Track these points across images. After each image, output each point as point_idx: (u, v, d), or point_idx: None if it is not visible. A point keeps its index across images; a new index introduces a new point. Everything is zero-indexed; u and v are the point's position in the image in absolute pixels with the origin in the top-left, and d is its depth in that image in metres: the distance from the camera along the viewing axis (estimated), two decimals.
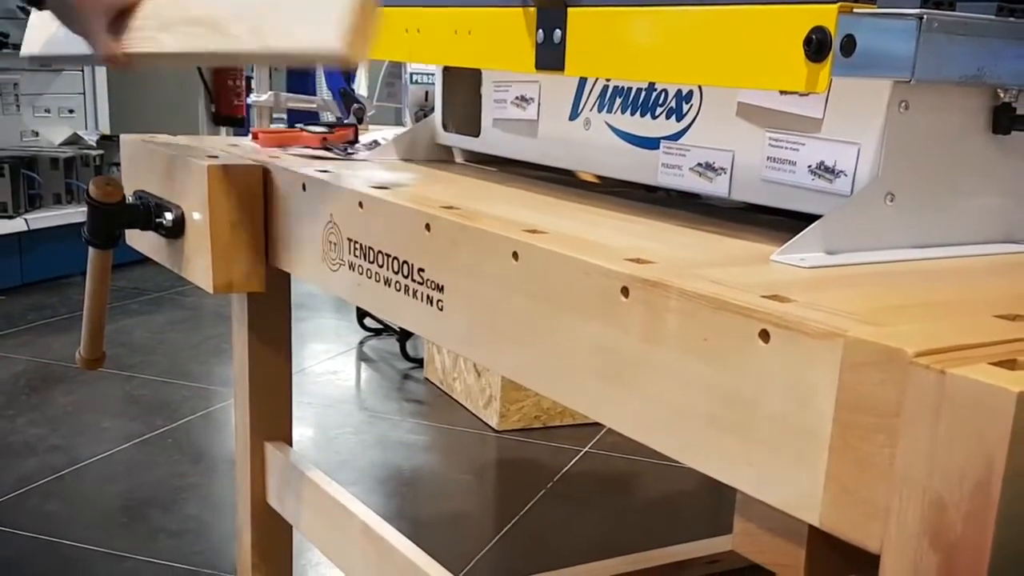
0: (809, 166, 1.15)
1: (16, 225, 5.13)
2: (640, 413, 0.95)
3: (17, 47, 3.11)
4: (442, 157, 1.84)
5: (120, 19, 1.39)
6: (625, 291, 0.95)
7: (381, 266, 1.36)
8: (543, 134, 1.55)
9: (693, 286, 0.89)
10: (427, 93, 3.75)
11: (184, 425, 3.52)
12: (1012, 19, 1.06)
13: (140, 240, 1.86)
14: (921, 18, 0.97)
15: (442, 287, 1.20)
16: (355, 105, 3.20)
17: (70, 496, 2.96)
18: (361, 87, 5.02)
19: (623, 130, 1.41)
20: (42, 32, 1.61)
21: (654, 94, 1.36)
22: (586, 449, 3.43)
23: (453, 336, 1.24)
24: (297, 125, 1.93)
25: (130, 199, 1.73)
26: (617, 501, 3.13)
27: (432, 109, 1.84)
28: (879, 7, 0.95)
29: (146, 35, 1.34)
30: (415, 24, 1.44)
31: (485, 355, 1.18)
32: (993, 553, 0.65)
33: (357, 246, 1.38)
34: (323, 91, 4.28)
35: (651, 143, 1.36)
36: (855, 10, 0.92)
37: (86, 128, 6.17)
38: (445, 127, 1.79)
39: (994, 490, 0.64)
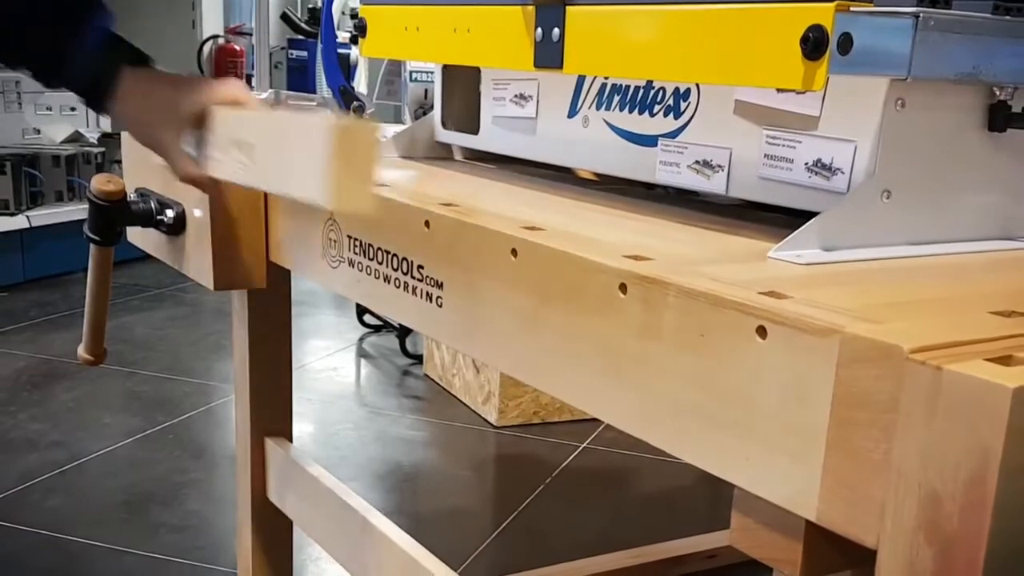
0: (806, 163, 1.15)
1: (18, 222, 5.12)
2: (638, 409, 0.95)
3: None
4: (441, 155, 1.84)
5: (197, 132, 1.32)
6: (623, 288, 0.95)
7: (381, 263, 1.36)
8: (542, 132, 1.55)
9: (691, 283, 0.89)
10: (426, 91, 3.75)
11: (185, 421, 3.52)
12: (1008, 18, 1.06)
13: (141, 237, 1.86)
14: (917, 16, 0.97)
15: (441, 284, 1.20)
16: (355, 103, 3.19)
17: (72, 492, 2.96)
18: (361, 85, 5.03)
19: (621, 128, 1.41)
20: None
21: (652, 92, 1.36)
22: (584, 445, 3.42)
23: (452, 332, 1.24)
24: None
25: (132, 196, 1.73)
26: (615, 496, 3.13)
27: (431, 107, 1.84)
28: (876, 5, 0.95)
29: (217, 157, 1.32)
30: (415, 22, 1.44)
31: (484, 351, 1.18)
32: (989, 547, 0.65)
33: (357, 243, 1.39)
34: (323, 89, 4.29)
35: (649, 141, 1.36)
36: (852, 8, 0.92)
37: (88, 126, 6.16)
38: (444, 125, 1.79)
39: (990, 485, 0.64)
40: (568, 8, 1.18)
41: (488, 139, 1.67)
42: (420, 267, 1.25)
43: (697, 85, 1.30)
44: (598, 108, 1.44)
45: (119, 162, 2.03)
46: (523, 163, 1.64)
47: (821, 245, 1.05)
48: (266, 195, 1.61)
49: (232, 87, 1.27)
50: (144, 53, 1.35)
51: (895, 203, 1.09)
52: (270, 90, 4.80)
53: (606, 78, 1.42)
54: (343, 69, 4.64)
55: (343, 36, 4.61)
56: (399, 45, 1.48)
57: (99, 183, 1.58)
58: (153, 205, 1.72)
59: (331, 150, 0.98)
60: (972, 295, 0.94)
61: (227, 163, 1.24)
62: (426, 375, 4.09)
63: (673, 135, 1.33)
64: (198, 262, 1.69)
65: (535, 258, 1.05)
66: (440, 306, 1.25)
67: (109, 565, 2.55)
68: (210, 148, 1.30)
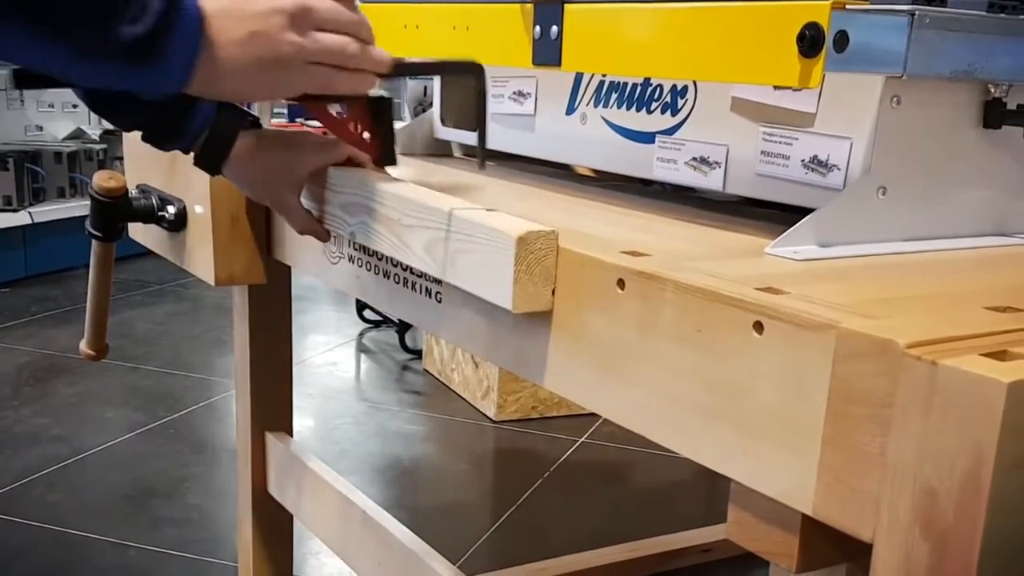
0: (802, 160, 1.15)
1: (20, 218, 5.13)
2: (636, 403, 0.95)
3: None
4: (440, 151, 1.84)
5: (313, 189, 1.32)
6: (621, 283, 0.95)
7: (380, 259, 1.36)
8: (540, 129, 1.55)
9: (688, 278, 0.89)
10: (426, 88, 3.75)
11: (186, 415, 3.52)
12: (1003, 15, 1.06)
13: (143, 233, 1.86)
14: (913, 14, 0.97)
15: (440, 280, 1.20)
16: None
17: (74, 486, 2.96)
18: None
19: (619, 125, 1.41)
20: None
21: (649, 89, 1.36)
22: (582, 439, 3.43)
23: (451, 327, 1.24)
24: (298, 119, 1.93)
25: (133, 193, 1.73)
26: (613, 490, 3.13)
27: (431, 104, 1.84)
28: (871, 3, 0.95)
29: (334, 213, 1.32)
30: (414, 20, 1.43)
31: (483, 347, 1.18)
32: (984, 541, 0.65)
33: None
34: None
35: (646, 137, 1.36)
36: (848, 6, 0.92)
37: (89, 123, 6.16)
38: (443, 122, 1.79)
39: (984, 479, 0.64)
40: (566, 6, 1.17)
41: (487, 136, 1.67)
42: None
43: (694, 82, 1.29)
44: (596, 105, 1.44)
45: (121, 159, 2.03)
46: (522, 160, 1.64)
47: (817, 241, 1.05)
48: None
49: (346, 148, 1.26)
50: (255, 116, 1.33)
51: (891, 199, 1.09)
52: None
53: (604, 75, 1.42)
54: None
55: None
56: (399, 43, 1.48)
57: (101, 179, 1.58)
58: (154, 201, 1.72)
59: (515, 259, 1.00)
60: (967, 291, 0.94)
61: (356, 225, 1.25)
62: (425, 370, 4.09)
63: (670, 132, 1.33)
64: (199, 258, 1.69)
65: None
66: (439, 301, 1.25)
67: (111, 558, 2.56)
68: (329, 205, 1.31)
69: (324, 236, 1.36)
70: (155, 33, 0.91)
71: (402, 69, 1.07)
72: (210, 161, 1.29)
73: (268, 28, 0.98)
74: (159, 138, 1.29)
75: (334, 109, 1.06)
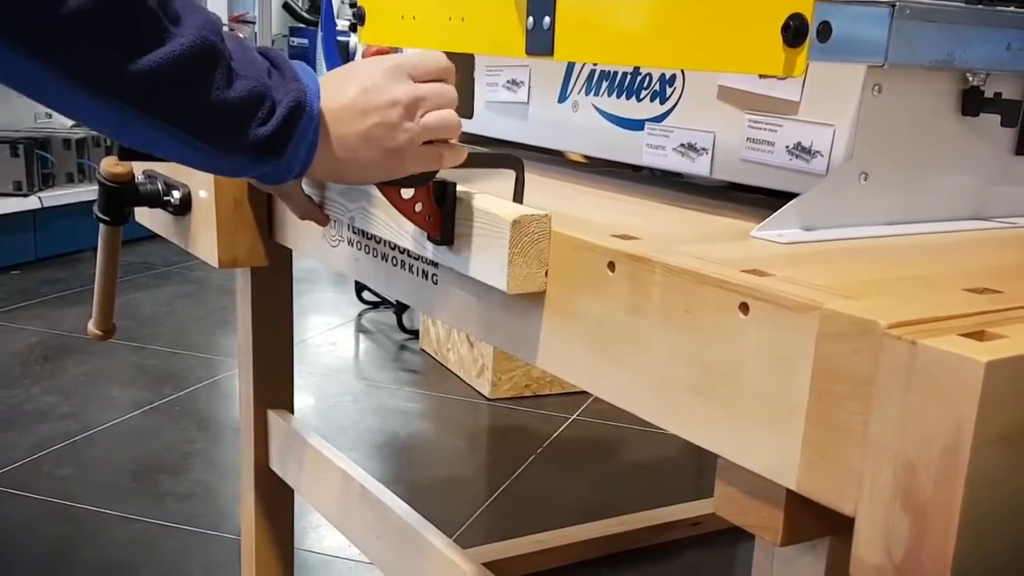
0: (787, 147, 1.14)
1: (30, 203, 5.12)
2: (626, 382, 0.95)
3: None
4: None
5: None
6: (612, 266, 0.95)
7: (379, 242, 1.36)
8: (533, 116, 1.54)
9: (676, 261, 0.89)
10: None
11: (191, 393, 3.52)
12: (980, 6, 1.06)
13: (149, 217, 1.86)
14: (894, 5, 0.97)
15: (436, 262, 1.20)
16: None
17: (82, 461, 2.96)
18: None
19: (609, 112, 1.40)
20: None
21: (639, 78, 1.35)
22: (574, 416, 3.43)
23: (447, 308, 1.24)
24: None
25: (139, 178, 1.72)
26: (604, 466, 3.13)
27: None
28: None
29: (334, 199, 1.32)
30: (411, 11, 1.43)
31: (478, 327, 1.18)
32: (962, 514, 0.65)
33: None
34: (324, 74, 4.27)
35: (636, 125, 1.36)
36: None
37: None
38: None
39: (963, 455, 0.64)
40: None
41: (482, 123, 1.67)
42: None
43: (682, 71, 1.29)
44: (587, 93, 1.44)
45: None
46: (515, 146, 1.64)
47: (801, 225, 1.05)
48: None
49: None
50: None
51: (872, 184, 1.08)
52: None
53: (595, 65, 1.42)
54: (342, 56, 4.62)
55: (342, 24, 4.59)
56: (396, 33, 1.47)
57: (108, 165, 1.58)
58: (160, 186, 1.72)
59: (509, 241, 1.01)
60: (946, 273, 0.94)
61: (355, 211, 1.27)
62: (422, 349, 4.09)
63: (659, 119, 1.33)
64: (203, 241, 1.69)
65: None
66: (436, 283, 1.25)
67: (118, 532, 2.56)
68: (330, 191, 1.33)
69: (324, 221, 1.37)
70: (278, 134, 0.98)
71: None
72: None
73: (387, 119, 1.03)
74: None
75: (407, 193, 1.08)
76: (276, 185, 1.31)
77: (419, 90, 1.04)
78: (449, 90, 1.07)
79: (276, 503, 2.04)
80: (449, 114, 1.07)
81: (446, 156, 1.08)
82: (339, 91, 1.04)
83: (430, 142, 1.06)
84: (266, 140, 0.97)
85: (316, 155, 1.03)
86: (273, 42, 6.97)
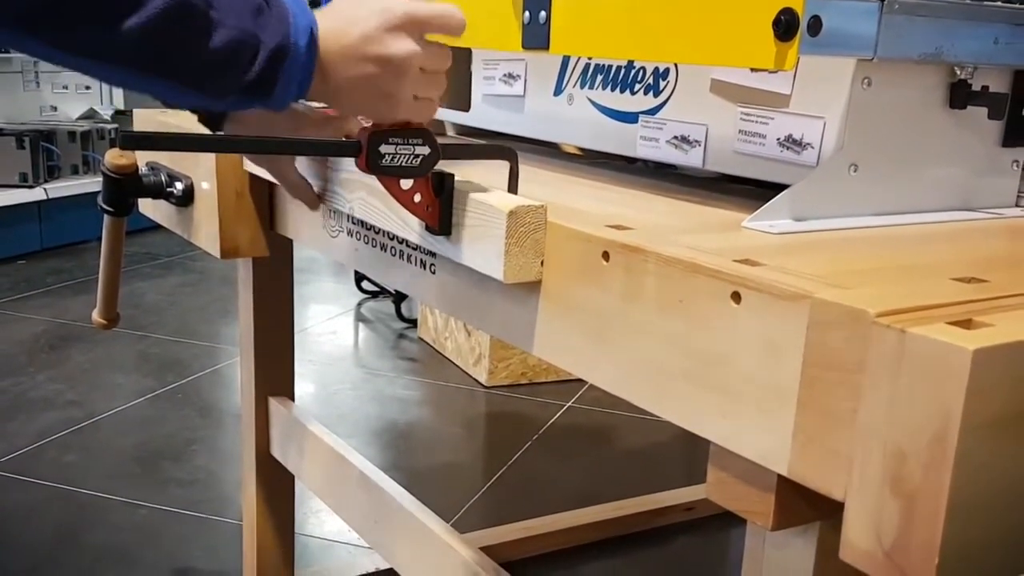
0: (778, 139, 1.14)
1: (36, 194, 5.12)
2: (620, 370, 0.95)
3: None
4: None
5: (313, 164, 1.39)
6: (606, 256, 0.95)
7: (378, 233, 1.36)
8: (529, 109, 1.54)
9: (670, 251, 0.88)
10: None
11: (193, 381, 3.52)
12: (968, 1, 1.06)
13: (152, 208, 1.86)
14: (883, 0, 0.97)
15: (434, 252, 1.20)
16: None
17: (86, 448, 2.96)
18: None
19: (604, 105, 1.40)
20: None
21: (633, 71, 1.35)
22: (569, 403, 3.43)
23: (444, 298, 1.24)
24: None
25: (143, 170, 1.72)
26: (598, 452, 3.13)
27: None
28: None
29: (335, 190, 1.33)
30: None
31: (475, 316, 1.18)
32: (950, 500, 0.65)
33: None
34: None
35: (630, 117, 1.36)
36: None
37: (102, 103, 6.15)
38: None
39: (951, 441, 0.64)
40: None
41: (479, 116, 1.66)
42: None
43: (675, 65, 1.29)
44: (582, 87, 1.44)
45: None
46: (512, 139, 1.63)
47: (792, 216, 1.05)
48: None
49: (347, 125, 1.27)
50: None
51: (862, 176, 1.08)
52: None
53: (589, 59, 1.42)
54: None
55: None
56: None
57: (112, 157, 1.58)
58: (163, 178, 1.72)
59: (506, 232, 1.01)
60: (934, 263, 0.94)
61: (354, 201, 1.27)
62: (420, 338, 4.09)
63: (653, 112, 1.32)
64: (206, 232, 1.69)
65: None
66: (433, 273, 1.25)
67: (122, 517, 2.56)
68: (330, 182, 1.34)
69: (314, 204, 1.38)
70: (264, 78, 1.01)
71: (444, 152, 1.10)
72: (213, 119, 1.30)
73: (379, 72, 1.06)
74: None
75: (406, 183, 1.09)
76: (270, 164, 1.38)
77: (415, 51, 1.05)
78: (443, 52, 1.09)
79: (277, 489, 2.04)
80: (439, 78, 1.10)
81: (424, 109, 1.11)
82: (340, 33, 1.04)
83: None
84: (253, 84, 1.01)
85: (310, 90, 1.05)
86: None
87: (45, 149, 5.26)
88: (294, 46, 1.01)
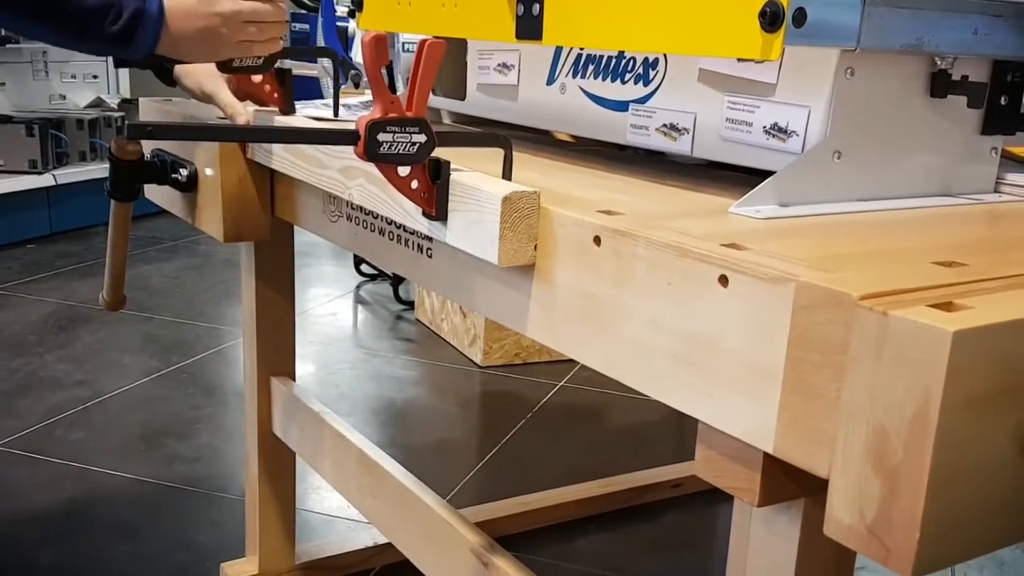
0: (764, 127, 1.14)
1: (45, 180, 5.11)
2: (611, 351, 0.95)
3: None
4: (431, 119, 1.83)
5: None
6: (597, 240, 0.94)
7: (376, 218, 1.35)
8: (523, 98, 1.54)
9: (659, 235, 0.88)
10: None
11: (198, 361, 3.52)
12: None
13: (157, 194, 1.85)
14: None
15: (431, 237, 1.19)
16: (352, 71, 3.17)
17: (94, 426, 2.96)
18: (358, 55, 4.98)
19: (595, 94, 1.40)
20: None
21: (623, 61, 1.35)
22: (561, 383, 3.43)
23: (441, 281, 1.24)
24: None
25: (148, 157, 1.72)
26: (589, 430, 3.14)
27: None
28: None
29: (334, 177, 1.37)
30: None
31: (470, 298, 1.18)
32: (931, 476, 0.65)
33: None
34: (322, 59, 4.27)
35: (621, 106, 1.35)
36: None
37: (109, 92, 6.14)
38: (434, 91, 1.78)
39: (931, 420, 0.64)
40: None
41: (474, 104, 1.66)
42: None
43: (665, 55, 1.29)
44: (574, 76, 1.43)
45: None
46: (506, 127, 1.63)
47: (778, 201, 1.05)
48: (271, 154, 1.60)
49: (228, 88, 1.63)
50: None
51: (845, 163, 1.08)
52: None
53: (581, 49, 1.41)
54: (342, 41, 4.61)
55: (342, 10, 4.58)
56: (393, 18, 1.47)
57: (119, 144, 1.58)
58: (168, 164, 1.72)
59: (500, 217, 1.01)
60: (916, 247, 0.94)
61: (353, 187, 1.29)
62: (417, 319, 4.09)
63: (643, 101, 1.32)
64: (209, 216, 1.69)
65: None
66: (430, 257, 1.25)
67: (128, 493, 2.56)
68: (329, 169, 1.37)
69: (243, 116, 1.57)
70: (124, 33, 1.33)
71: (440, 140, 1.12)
72: (164, 74, 1.62)
73: (210, 24, 1.38)
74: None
75: (404, 170, 1.11)
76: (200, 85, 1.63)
77: (239, 6, 1.39)
78: (265, 9, 1.42)
79: (279, 465, 2.04)
80: (264, 27, 1.42)
81: (256, 47, 1.44)
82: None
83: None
84: (116, 36, 1.33)
85: (160, 44, 1.36)
86: None
87: (54, 136, 5.25)
88: (148, 12, 1.33)
